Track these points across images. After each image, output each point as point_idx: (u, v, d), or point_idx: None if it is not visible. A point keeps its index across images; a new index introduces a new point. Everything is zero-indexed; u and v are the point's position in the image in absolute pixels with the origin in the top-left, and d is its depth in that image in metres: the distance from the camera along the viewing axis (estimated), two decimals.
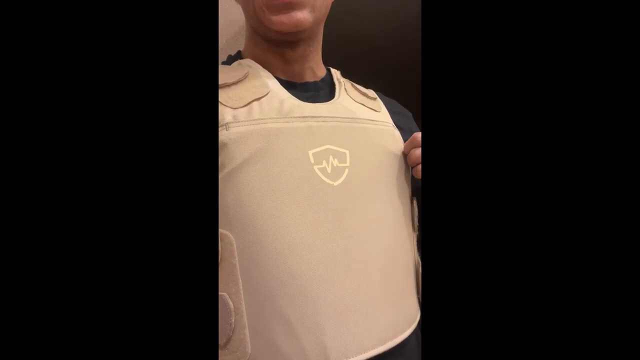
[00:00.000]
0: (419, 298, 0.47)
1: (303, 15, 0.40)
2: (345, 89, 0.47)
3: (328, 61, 0.50)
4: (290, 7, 0.40)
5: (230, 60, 0.49)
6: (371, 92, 0.51)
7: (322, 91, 0.47)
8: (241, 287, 0.36)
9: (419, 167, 0.44)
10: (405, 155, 0.46)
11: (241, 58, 0.47)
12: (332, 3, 0.46)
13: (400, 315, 0.41)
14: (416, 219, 0.47)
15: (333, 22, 0.45)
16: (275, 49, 0.45)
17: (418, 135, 0.44)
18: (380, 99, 0.51)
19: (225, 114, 0.37)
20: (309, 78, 0.48)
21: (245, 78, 0.41)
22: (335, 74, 0.50)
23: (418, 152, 0.44)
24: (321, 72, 0.50)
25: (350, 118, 0.42)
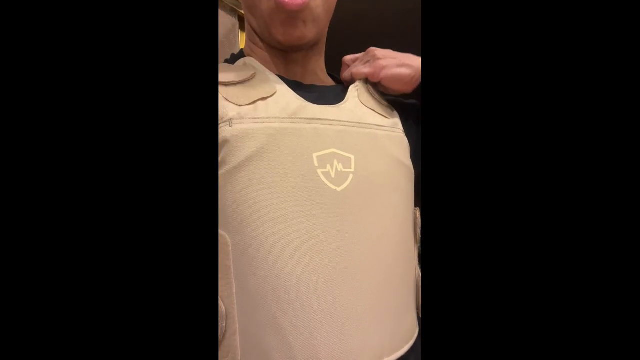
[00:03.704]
0: (418, 314, 0.46)
1: (307, 29, 0.42)
2: (357, 94, 0.46)
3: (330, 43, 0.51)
4: (295, 19, 0.40)
5: (233, 58, 0.48)
6: (385, 100, 0.49)
7: (329, 95, 0.45)
8: (234, 291, 0.35)
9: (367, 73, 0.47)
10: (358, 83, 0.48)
11: (244, 56, 0.46)
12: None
13: (397, 331, 0.40)
14: (419, 231, 0.46)
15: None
16: (276, 50, 0.45)
17: (346, 57, 0.50)
18: (399, 104, 0.50)
19: (229, 110, 0.36)
20: (314, 82, 0.47)
21: (252, 78, 0.40)
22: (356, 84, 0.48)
23: (360, 67, 0.48)
24: (326, 79, 0.50)
25: (358, 122, 0.41)
